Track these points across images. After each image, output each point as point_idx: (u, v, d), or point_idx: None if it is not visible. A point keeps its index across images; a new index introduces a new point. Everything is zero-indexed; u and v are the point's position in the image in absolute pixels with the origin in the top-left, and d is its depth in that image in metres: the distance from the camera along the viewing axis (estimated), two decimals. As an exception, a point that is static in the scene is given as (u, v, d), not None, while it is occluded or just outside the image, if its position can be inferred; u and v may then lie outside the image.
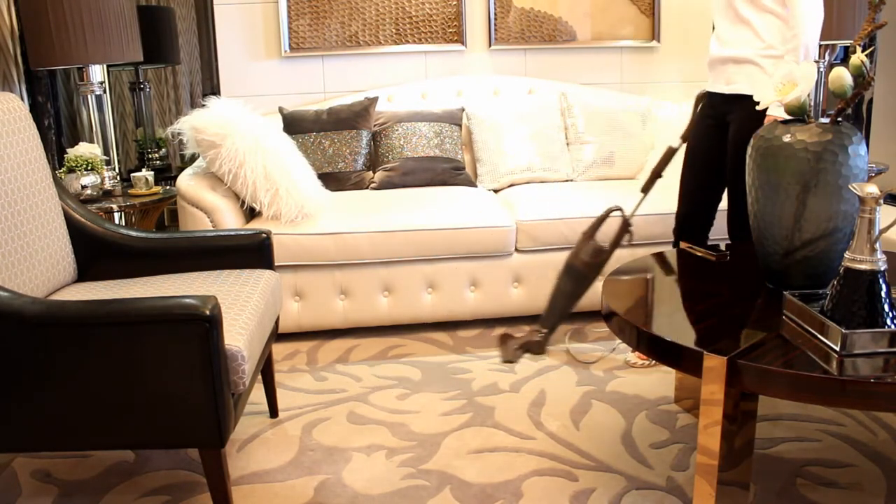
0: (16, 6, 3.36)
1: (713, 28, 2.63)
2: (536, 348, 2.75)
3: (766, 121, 2.39)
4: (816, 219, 1.84)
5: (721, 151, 2.62)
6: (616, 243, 2.73)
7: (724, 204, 2.68)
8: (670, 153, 2.66)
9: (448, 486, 2.02)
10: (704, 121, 2.65)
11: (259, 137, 2.92)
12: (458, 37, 3.89)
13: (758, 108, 2.29)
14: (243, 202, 2.98)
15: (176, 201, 3.02)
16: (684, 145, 2.71)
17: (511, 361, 2.71)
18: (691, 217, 2.72)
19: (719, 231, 3.09)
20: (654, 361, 2.72)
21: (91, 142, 3.39)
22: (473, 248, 3.04)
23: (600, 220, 2.72)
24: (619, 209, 2.71)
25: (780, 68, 1.94)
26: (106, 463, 2.18)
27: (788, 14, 2.37)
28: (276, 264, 2.64)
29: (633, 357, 2.75)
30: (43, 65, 3.16)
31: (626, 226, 2.70)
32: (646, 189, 2.71)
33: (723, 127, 2.60)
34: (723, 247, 2.40)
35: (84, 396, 1.72)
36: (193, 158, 3.35)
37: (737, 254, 2.32)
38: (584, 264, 2.70)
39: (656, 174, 2.67)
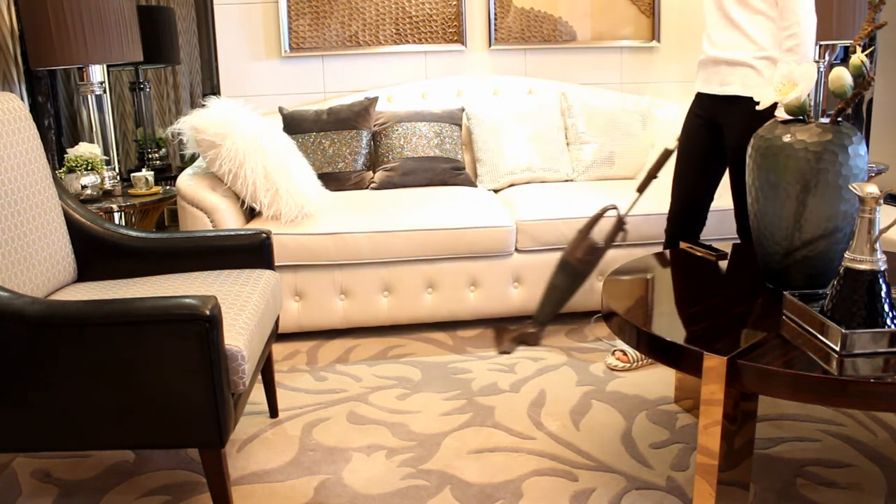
0: (16, 6, 3.36)
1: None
2: (532, 340, 2.78)
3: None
4: (816, 219, 1.84)
5: (713, 151, 2.62)
6: (610, 241, 2.75)
7: (727, 204, 2.68)
8: (666, 154, 2.67)
9: (448, 486, 2.02)
10: (694, 120, 2.66)
11: (259, 137, 2.92)
12: (458, 37, 3.89)
13: (758, 108, 2.29)
14: (243, 202, 2.98)
15: (176, 201, 3.02)
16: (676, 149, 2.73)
17: (506, 352, 2.75)
18: (684, 216, 2.72)
19: (714, 231, 3.10)
20: (635, 364, 2.72)
21: (91, 142, 3.39)
22: (473, 248, 3.04)
23: (596, 218, 2.75)
24: (615, 207, 2.73)
25: (780, 69, 1.94)
26: (106, 463, 2.18)
27: (781, 14, 2.37)
28: (276, 264, 2.64)
29: (614, 360, 2.74)
30: (43, 65, 3.16)
31: (620, 224, 2.72)
32: (641, 189, 2.73)
33: (714, 127, 2.60)
34: (717, 246, 2.40)
35: (84, 396, 1.72)
36: (193, 158, 3.35)
37: (737, 254, 2.32)
38: (579, 261, 2.72)
39: (652, 175, 2.68)
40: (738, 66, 2.46)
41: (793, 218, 1.86)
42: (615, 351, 2.76)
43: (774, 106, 2.41)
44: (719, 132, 2.59)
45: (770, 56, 2.42)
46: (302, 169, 3.08)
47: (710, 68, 2.56)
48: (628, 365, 2.71)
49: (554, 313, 2.83)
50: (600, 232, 2.66)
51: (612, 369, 2.71)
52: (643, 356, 2.72)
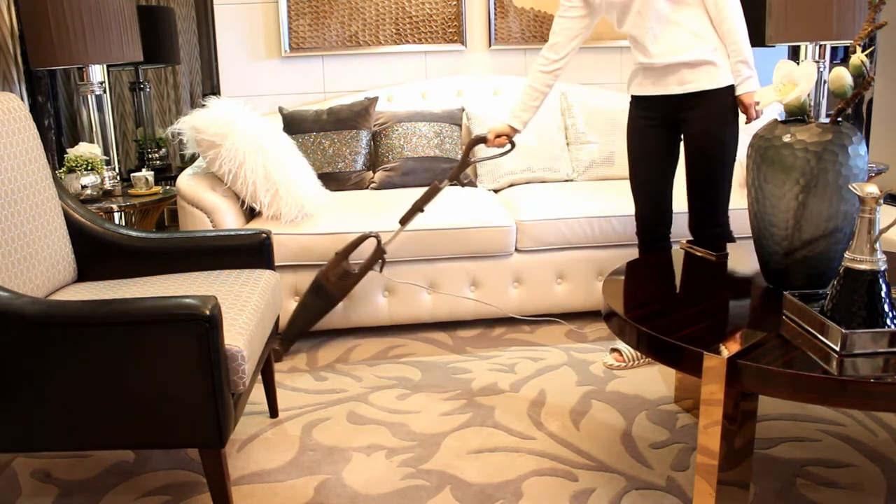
0: (16, 6, 3.36)
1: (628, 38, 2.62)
2: (275, 356, 2.74)
3: (742, 98, 2.43)
4: (816, 219, 1.84)
5: (667, 148, 2.61)
6: (366, 268, 2.75)
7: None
8: (434, 190, 2.71)
9: (448, 486, 2.02)
10: (641, 122, 2.63)
11: (259, 137, 2.92)
12: (458, 37, 3.89)
13: (758, 107, 2.29)
14: (243, 202, 2.98)
15: (176, 201, 3.02)
16: (448, 186, 2.73)
17: None
18: (656, 217, 2.69)
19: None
20: (633, 363, 2.71)
21: (91, 142, 3.39)
22: (473, 248, 3.04)
23: (355, 244, 2.75)
24: (376, 236, 2.73)
25: (779, 68, 1.94)
26: (106, 463, 2.18)
27: (713, 5, 2.41)
28: (276, 264, 2.64)
29: (611, 359, 2.73)
30: (43, 65, 3.16)
31: (379, 253, 2.72)
32: (404, 221, 2.76)
33: (667, 126, 2.58)
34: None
35: (84, 396, 1.72)
36: (193, 158, 3.35)
37: (737, 254, 2.32)
38: (332, 285, 2.72)
39: (417, 208, 2.72)
40: (698, 66, 2.45)
41: (793, 218, 1.86)
42: (612, 350, 2.77)
43: (733, 89, 2.44)
44: (675, 129, 2.58)
45: (720, 47, 2.45)
46: (302, 169, 3.08)
47: (660, 71, 2.51)
48: (624, 364, 2.71)
49: (303, 332, 2.82)
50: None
51: (610, 368, 2.72)
52: (640, 355, 2.72)
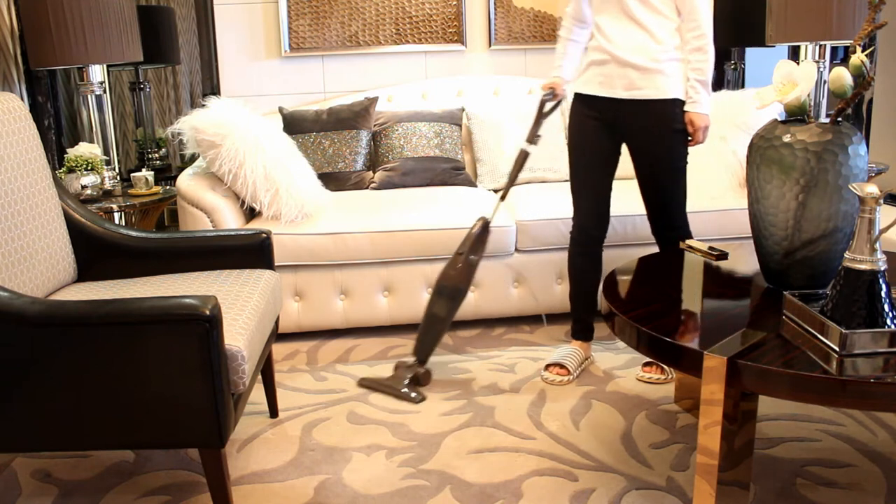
0: (16, 6, 3.36)
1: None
2: (425, 379, 2.65)
3: (693, 119, 2.41)
4: (816, 219, 1.84)
5: (614, 150, 2.58)
6: (480, 250, 2.67)
7: (725, 204, 2.66)
8: (523, 156, 2.67)
9: (448, 486, 2.02)
10: (588, 122, 2.57)
11: (259, 137, 2.92)
12: (458, 37, 3.89)
13: (757, 108, 2.29)
14: (243, 202, 2.98)
15: (176, 201, 3.02)
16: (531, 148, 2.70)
17: (423, 399, 2.54)
18: (596, 217, 2.63)
19: (715, 231, 3.09)
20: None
21: (91, 142, 3.39)
22: (473, 248, 3.03)
23: (473, 236, 2.66)
24: (482, 218, 2.68)
25: (779, 68, 1.94)
26: (106, 463, 2.18)
27: (686, 17, 2.38)
28: (276, 264, 2.64)
29: (551, 375, 2.62)
30: (43, 65, 3.16)
31: (486, 231, 2.67)
32: (503, 196, 2.74)
33: (612, 128, 2.53)
34: (717, 246, 2.39)
35: (84, 396, 1.72)
36: (193, 158, 3.35)
37: (737, 254, 2.32)
38: (454, 278, 2.63)
39: (512, 180, 2.69)
40: (647, 73, 2.41)
41: (793, 218, 1.86)
42: (549, 366, 2.65)
43: (682, 104, 2.42)
44: (618, 135, 2.54)
45: (676, 58, 2.42)
46: (302, 169, 3.08)
47: (611, 69, 2.46)
48: (569, 377, 2.62)
49: (437, 343, 2.71)
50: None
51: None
52: (581, 362, 2.68)
